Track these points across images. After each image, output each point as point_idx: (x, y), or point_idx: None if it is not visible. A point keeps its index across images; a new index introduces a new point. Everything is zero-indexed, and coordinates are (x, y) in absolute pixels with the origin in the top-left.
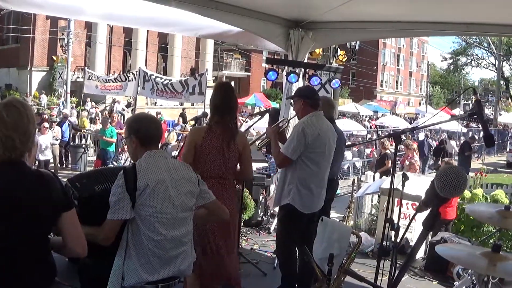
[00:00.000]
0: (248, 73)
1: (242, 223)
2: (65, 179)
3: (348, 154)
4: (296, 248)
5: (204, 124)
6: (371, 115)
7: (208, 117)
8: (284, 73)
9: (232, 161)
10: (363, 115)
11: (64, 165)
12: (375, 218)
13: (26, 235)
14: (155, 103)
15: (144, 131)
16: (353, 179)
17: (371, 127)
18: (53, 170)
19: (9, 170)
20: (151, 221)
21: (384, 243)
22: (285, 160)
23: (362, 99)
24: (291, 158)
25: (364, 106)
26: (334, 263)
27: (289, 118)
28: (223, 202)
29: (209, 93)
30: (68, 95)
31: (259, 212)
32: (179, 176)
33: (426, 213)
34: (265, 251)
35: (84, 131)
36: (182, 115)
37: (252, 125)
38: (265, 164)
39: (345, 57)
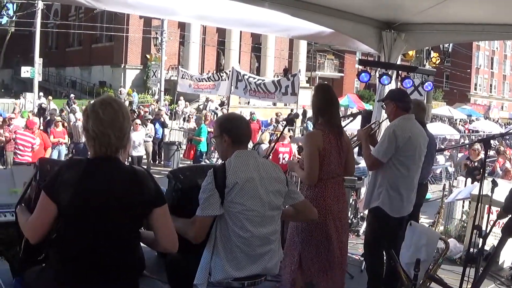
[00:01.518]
0: (342, 74)
1: None
2: (157, 176)
3: (440, 159)
4: (384, 252)
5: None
6: (465, 119)
7: (313, 120)
8: (377, 74)
9: (344, 158)
10: (456, 119)
11: (157, 161)
12: (465, 225)
13: (118, 229)
14: (248, 102)
15: (236, 130)
16: (444, 184)
17: (464, 131)
18: (145, 167)
19: (104, 166)
20: (239, 218)
21: (471, 250)
22: (376, 162)
23: (456, 102)
24: (381, 161)
25: (457, 110)
26: (420, 268)
27: (380, 121)
28: (342, 199)
29: (301, 93)
30: (162, 93)
31: (349, 214)
32: (268, 175)
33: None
34: (353, 253)
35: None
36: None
37: (345, 126)
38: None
39: (438, 59)
